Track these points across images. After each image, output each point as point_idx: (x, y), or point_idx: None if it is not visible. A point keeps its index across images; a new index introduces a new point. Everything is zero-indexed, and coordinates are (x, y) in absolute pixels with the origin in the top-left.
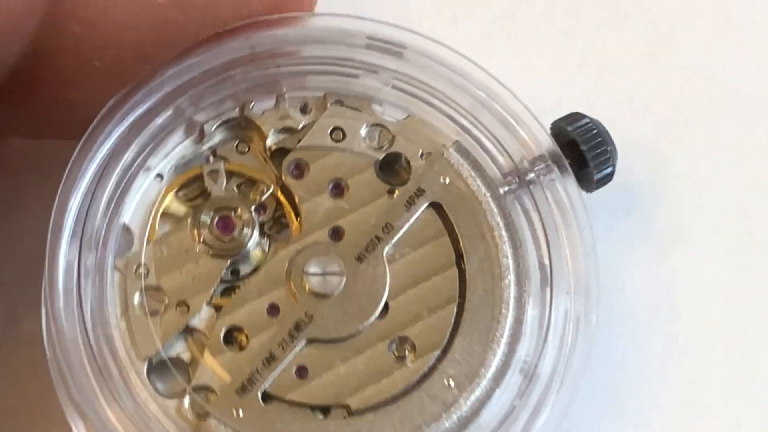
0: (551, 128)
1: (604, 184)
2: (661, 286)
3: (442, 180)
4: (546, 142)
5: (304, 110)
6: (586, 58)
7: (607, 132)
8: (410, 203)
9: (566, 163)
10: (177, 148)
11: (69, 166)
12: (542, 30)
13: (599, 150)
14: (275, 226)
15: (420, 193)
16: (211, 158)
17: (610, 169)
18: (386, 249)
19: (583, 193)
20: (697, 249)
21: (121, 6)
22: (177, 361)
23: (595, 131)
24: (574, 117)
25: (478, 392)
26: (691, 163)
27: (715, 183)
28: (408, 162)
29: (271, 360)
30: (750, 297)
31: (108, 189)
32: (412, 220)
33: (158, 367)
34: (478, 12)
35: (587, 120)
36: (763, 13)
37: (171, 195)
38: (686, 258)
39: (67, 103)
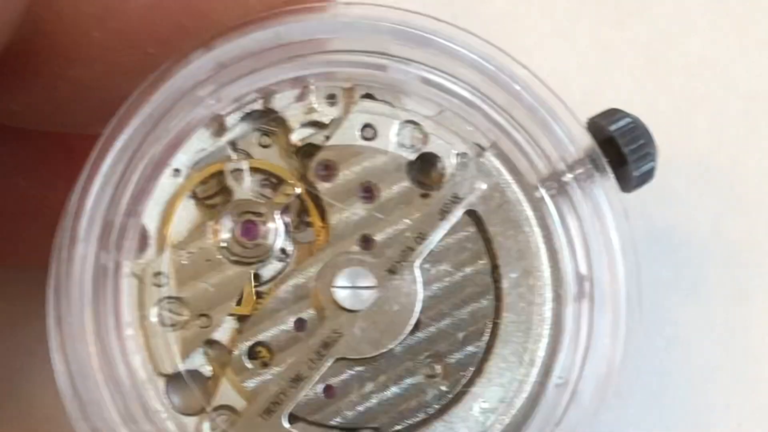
0: (588, 125)
1: (644, 183)
2: (662, 287)
3: (478, 186)
4: (584, 142)
5: (331, 103)
6: (586, 58)
7: (648, 130)
8: (445, 211)
9: (606, 166)
10: (194, 141)
11: (89, 162)
12: (542, 29)
13: (642, 152)
14: (299, 227)
15: (456, 200)
16: (231, 153)
17: (651, 165)
18: (419, 260)
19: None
20: (698, 249)
21: None
22: (195, 375)
23: (636, 131)
24: (613, 114)
25: (514, 412)
26: (693, 163)
27: (716, 183)
28: (443, 165)
29: (298, 380)
30: (751, 297)
31: (130, 187)
32: (446, 229)
33: (174, 380)
34: (479, 10)
35: (629, 119)
36: (764, 13)
37: (189, 192)
38: (687, 258)
39: (70, 82)
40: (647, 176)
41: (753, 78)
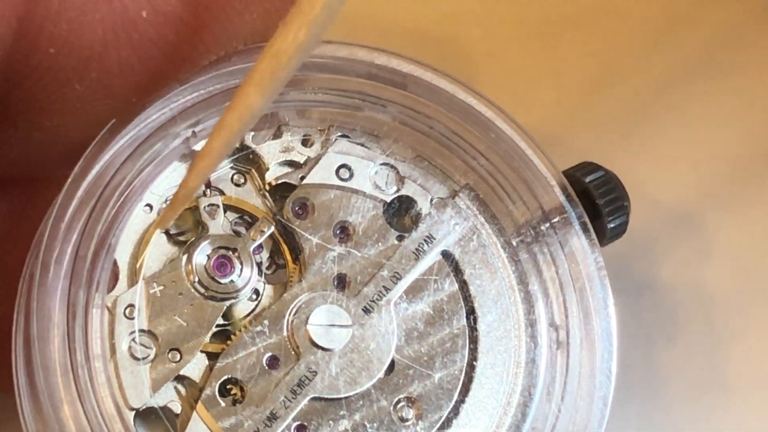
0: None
1: (616, 238)
2: (662, 288)
3: (453, 227)
4: (561, 192)
5: (306, 142)
6: (560, 108)
7: (621, 184)
8: (420, 251)
9: (584, 215)
10: (168, 176)
11: (61, 196)
12: (518, 76)
13: (616, 204)
14: (271, 266)
15: (430, 240)
16: (206, 190)
17: (624, 219)
18: (394, 300)
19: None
20: (698, 251)
21: (99, 23)
22: (165, 411)
23: (611, 183)
24: (588, 166)
25: None
26: (694, 165)
27: (717, 184)
28: (418, 208)
29: (273, 419)
30: (751, 298)
31: (101, 222)
32: (421, 270)
33: (142, 415)
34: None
35: (603, 172)
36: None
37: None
38: (687, 259)
39: (46, 130)
40: (620, 230)
41: (720, 129)
